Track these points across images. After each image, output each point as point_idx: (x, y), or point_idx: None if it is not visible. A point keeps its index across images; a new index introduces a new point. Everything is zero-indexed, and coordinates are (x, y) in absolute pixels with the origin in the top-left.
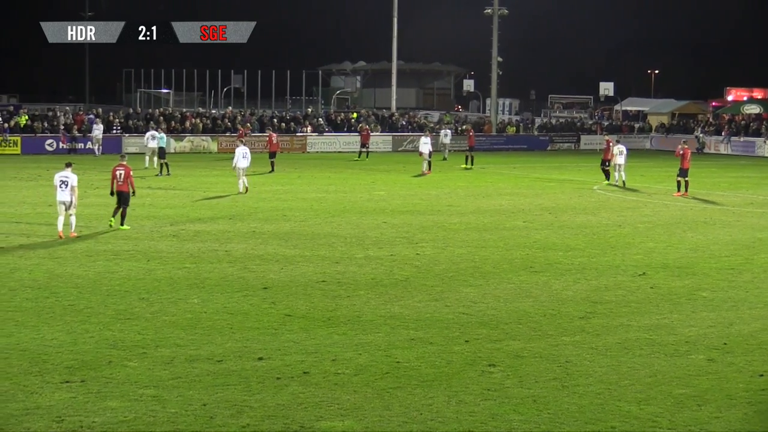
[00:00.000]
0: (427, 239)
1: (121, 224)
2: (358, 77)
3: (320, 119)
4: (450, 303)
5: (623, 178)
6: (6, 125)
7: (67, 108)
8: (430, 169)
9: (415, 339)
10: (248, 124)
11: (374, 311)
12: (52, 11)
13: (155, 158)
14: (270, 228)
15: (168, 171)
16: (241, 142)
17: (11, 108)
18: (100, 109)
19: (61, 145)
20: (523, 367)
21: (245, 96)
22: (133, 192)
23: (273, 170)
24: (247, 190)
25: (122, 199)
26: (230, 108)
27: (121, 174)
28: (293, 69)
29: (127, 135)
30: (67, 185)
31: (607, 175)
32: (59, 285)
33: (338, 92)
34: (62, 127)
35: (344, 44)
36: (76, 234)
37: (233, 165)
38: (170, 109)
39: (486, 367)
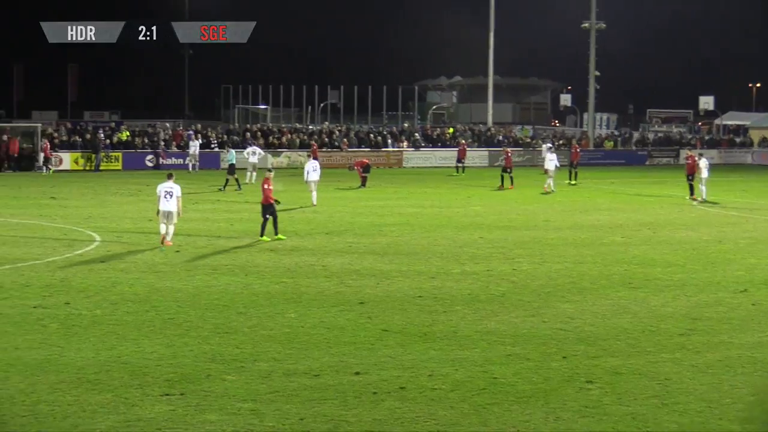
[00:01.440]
0: (523, 254)
1: (275, 234)
2: (454, 92)
3: (416, 134)
4: (547, 319)
5: (703, 194)
6: (107, 141)
7: (167, 124)
8: (553, 186)
9: (512, 355)
10: (345, 140)
11: (471, 327)
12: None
13: (254, 174)
14: (366, 243)
15: (239, 186)
16: (309, 156)
17: (113, 124)
18: (198, 125)
19: (160, 160)
20: (621, 384)
21: (342, 111)
22: (278, 202)
23: (364, 185)
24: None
25: (270, 211)
26: (327, 123)
27: (269, 187)
28: (389, 84)
29: (224, 150)
30: (171, 195)
31: (692, 189)
32: (159, 299)
33: (434, 107)
34: (162, 142)
35: (440, 59)
36: (171, 243)
37: (305, 179)
38: (268, 124)
39: (584, 384)
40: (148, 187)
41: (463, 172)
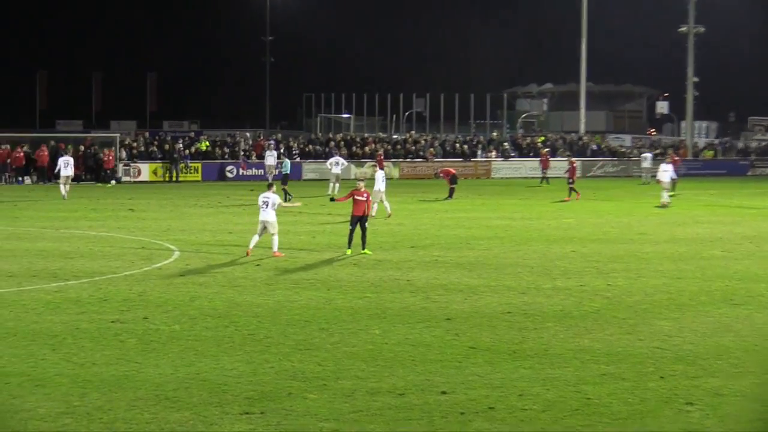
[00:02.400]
0: (618, 269)
1: (363, 248)
2: (545, 100)
3: (506, 144)
4: (643, 336)
5: None
6: (187, 151)
7: (247, 134)
8: (669, 200)
9: (607, 374)
10: (431, 149)
11: (563, 344)
12: (233, 38)
13: (337, 185)
14: (453, 256)
15: (286, 197)
16: (374, 167)
17: (192, 134)
18: (280, 135)
19: (241, 171)
20: (723, 407)
21: (427, 120)
22: (367, 215)
23: (450, 197)
24: (389, 215)
25: (361, 224)
26: (412, 132)
27: (361, 198)
28: (477, 92)
29: (306, 161)
30: (267, 205)
31: None
32: (239, 314)
33: (524, 116)
34: (242, 153)
35: (530, 66)
36: (280, 254)
37: (375, 188)
38: (351, 133)
39: (683, 406)
40: (228, 199)
41: (547, 182)
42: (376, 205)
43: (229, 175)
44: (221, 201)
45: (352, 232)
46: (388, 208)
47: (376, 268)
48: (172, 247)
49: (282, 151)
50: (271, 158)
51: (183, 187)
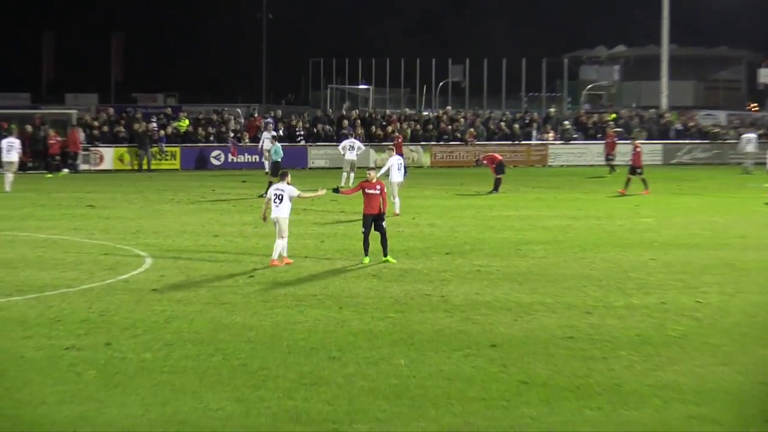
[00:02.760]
0: (710, 282)
1: (384, 255)
2: (616, 67)
3: (566, 123)
4: (744, 368)
5: None
6: (162, 132)
7: (239, 110)
8: None
9: (696, 417)
10: (471, 129)
11: (639, 379)
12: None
13: (352, 175)
14: (500, 266)
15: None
16: (391, 150)
17: (169, 110)
18: (279, 111)
19: (230, 157)
20: None
21: (467, 93)
22: (383, 212)
23: (496, 190)
24: (396, 214)
25: (376, 225)
26: (448, 108)
27: (373, 192)
28: (530, 57)
29: (314, 145)
30: (281, 199)
31: None
32: (227, 339)
33: (590, 87)
34: (232, 134)
35: (597, 25)
36: (290, 261)
37: (389, 180)
38: (369, 110)
39: None
40: (214, 193)
41: (614, 171)
42: (398, 201)
43: (215, 162)
44: (205, 195)
45: (366, 235)
46: (397, 206)
47: (402, 280)
48: (142, 253)
49: (279, 132)
50: (268, 141)
51: (157, 178)
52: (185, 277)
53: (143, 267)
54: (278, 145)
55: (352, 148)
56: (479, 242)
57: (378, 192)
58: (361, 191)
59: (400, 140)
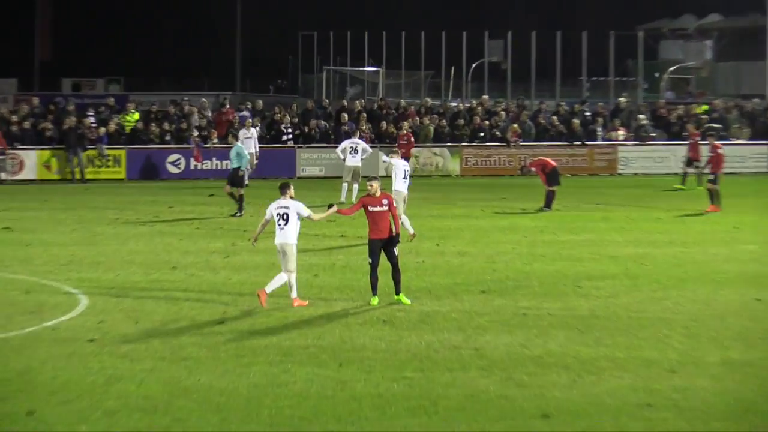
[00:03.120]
0: None
1: (397, 294)
2: (708, 42)
3: (641, 117)
4: None
5: None
6: (102, 130)
7: (204, 100)
8: None
9: None
10: (515, 126)
11: None
12: None
13: (356, 186)
14: (553, 308)
15: (239, 210)
16: (395, 154)
17: (112, 101)
18: (260, 102)
19: (193, 163)
20: None
21: (509, 77)
22: (396, 234)
23: (548, 207)
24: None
25: (387, 253)
26: (484, 97)
27: (379, 210)
28: (594, 30)
29: (304, 147)
30: (287, 220)
31: None
32: (189, 407)
33: (673, 68)
34: (195, 132)
35: None
36: (300, 301)
37: (394, 187)
38: (379, 99)
39: None
40: (172, 211)
41: (697, 182)
42: (406, 220)
43: (172, 170)
44: (159, 214)
45: (374, 268)
46: (408, 225)
47: (422, 328)
48: (75, 291)
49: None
50: (251, 142)
51: (95, 191)
52: (133, 324)
53: (77, 310)
54: (239, 145)
55: (354, 151)
56: (525, 277)
57: (385, 208)
58: (362, 209)
59: (409, 139)
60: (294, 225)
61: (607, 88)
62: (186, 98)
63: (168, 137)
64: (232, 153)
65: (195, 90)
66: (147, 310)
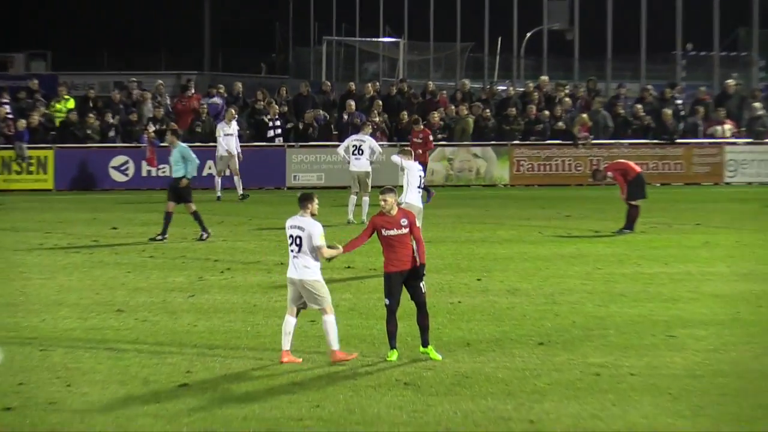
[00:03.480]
0: None
1: (424, 345)
2: None
3: (757, 106)
4: None
5: None
6: (23, 124)
7: (160, 82)
8: None
9: None
10: (584, 116)
11: None
12: None
13: (366, 200)
14: (636, 366)
15: (163, 233)
16: (405, 154)
17: (36, 83)
18: (239, 84)
19: (145, 168)
20: None
21: (576, 51)
22: (421, 265)
23: (630, 228)
24: None
25: (408, 287)
26: (543, 79)
27: (396, 233)
28: None
29: (296, 146)
30: (300, 245)
31: None
32: None
33: None
34: (150, 125)
35: None
36: (292, 357)
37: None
38: (399, 81)
39: None
40: (115, 233)
41: None
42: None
43: (118, 177)
44: (100, 238)
45: (392, 312)
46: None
47: (456, 392)
48: None
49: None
50: (231, 140)
51: (12, 205)
52: (64, 386)
53: None
54: (184, 147)
55: (359, 151)
56: (599, 323)
57: (405, 231)
58: (375, 234)
59: (426, 138)
60: (309, 251)
61: (711, 66)
62: (135, 80)
63: (112, 133)
64: (175, 156)
65: (148, 69)
66: (83, 368)
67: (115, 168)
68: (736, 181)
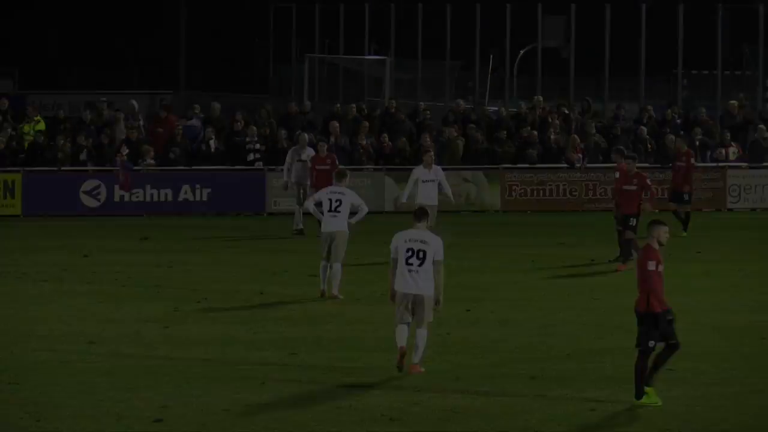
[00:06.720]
0: None
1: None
2: None
3: (762, 128)
4: None
5: None
6: None
7: (134, 102)
8: None
9: None
10: (575, 136)
11: None
12: None
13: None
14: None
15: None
16: (342, 178)
17: (5, 103)
18: (217, 105)
19: (117, 192)
20: None
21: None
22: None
23: (629, 255)
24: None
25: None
26: (537, 98)
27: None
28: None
29: (277, 169)
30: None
31: None
32: None
33: None
34: (123, 146)
35: None
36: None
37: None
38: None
39: None
40: (86, 261)
41: None
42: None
43: (89, 202)
44: (70, 266)
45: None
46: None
47: (446, 428)
48: None
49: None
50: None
51: None
52: (33, 422)
53: None
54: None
55: (337, 209)
56: (595, 357)
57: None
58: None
59: (333, 162)
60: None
61: (713, 85)
62: (105, 99)
63: (83, 155)
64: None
65: (120, 87)
66: (54, 402)
67: (86, 193)
68: (738, 207)
